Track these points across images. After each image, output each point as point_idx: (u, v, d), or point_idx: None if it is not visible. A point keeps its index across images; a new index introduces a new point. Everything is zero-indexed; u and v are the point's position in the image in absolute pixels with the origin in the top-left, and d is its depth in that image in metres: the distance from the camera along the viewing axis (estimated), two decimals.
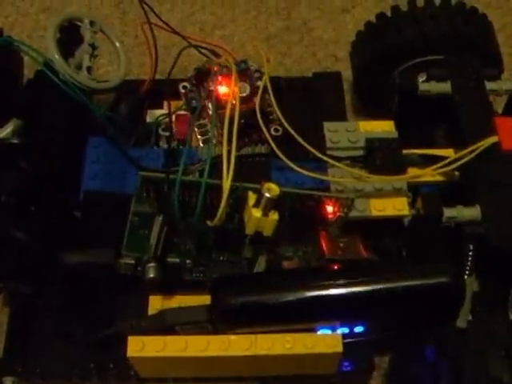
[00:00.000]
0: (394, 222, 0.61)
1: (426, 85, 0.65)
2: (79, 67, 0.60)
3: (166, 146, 0.62)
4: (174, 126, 0.63)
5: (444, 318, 0.56)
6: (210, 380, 0.63)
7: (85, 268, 0.56)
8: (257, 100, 0.60)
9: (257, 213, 0.52)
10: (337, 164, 0.58)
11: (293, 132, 0.58)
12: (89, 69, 0.60)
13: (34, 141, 0.58)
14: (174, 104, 0.64)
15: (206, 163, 0.54)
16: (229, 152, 0.54)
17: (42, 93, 0.60)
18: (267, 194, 0.52)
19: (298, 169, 0.56)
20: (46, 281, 0.57)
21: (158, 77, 0.66)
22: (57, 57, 0.57)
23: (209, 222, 0.54)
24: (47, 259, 0.54)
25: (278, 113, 0.60)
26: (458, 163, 0.58)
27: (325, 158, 0.58)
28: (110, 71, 0.86)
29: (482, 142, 0.59)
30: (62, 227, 0.56)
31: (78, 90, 0.57)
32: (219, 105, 0.60)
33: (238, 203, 0.55)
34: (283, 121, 0.59)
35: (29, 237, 0.53)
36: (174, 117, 0.64)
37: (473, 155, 0.58)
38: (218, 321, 0.54)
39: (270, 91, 0.61)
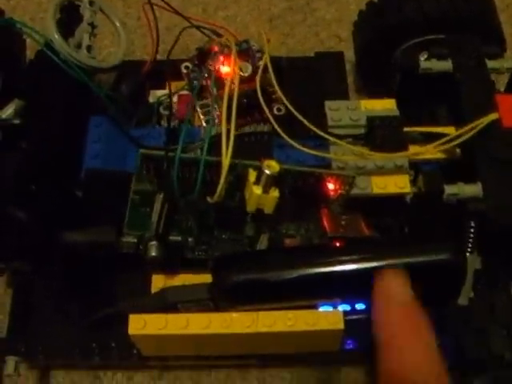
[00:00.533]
0: (396, 199, 0.60)
1: (427, 63, 0.64)
2: (79, 46, 0.60)
3: (167, 125, 0.62)
4: (176, 106, 0.63)
5: (445, 295, 0.56)
6: (212, 358, 0.63)
7: (86, 247, 0.56)
8: (257, 78, 0.60)
9: (257, 190, 0.53)
10: (338, 141, 0.58)
11: (293, 109, 0.58)
12: (89, 48, 0.60)
13: (34, 121, 0.58)
14: (176, 85, 0.64)
15: (205, 141, 0.54)
16: (228, 129, 0.54)
17: (43, 73, 0.60)
18: (267, 171, 0.52)
19: (299, 146, 0.56)
20: (47, 260, 0.57)
21: (160, 58, 0.66)
22: (56, 36, 0.57)
23: (209, 199, 0.54)
24: (48, 238, 0.54)
25: (279, 91, 0.59)
26: (459, 140, 0.58)
27: (326, 136, 0.58)
28: (113, 53, 0.86)
29: (483, 119, 0.58)
30: (63, 206, 0.56)
31: (78, 69, 0.57)
32: (221, 84, 0.60)
33: (238, 181, 0.55)
34: (283, 98, 0.59)
35: (29, 215, 0.53)
36: (176, 97, 0.64)
37: (473, 132, 0.58)
38: (219, 298, 0.55)
39: (271, 70, 0.60)
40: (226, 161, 0.52)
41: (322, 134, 0.57)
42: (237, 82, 0.58)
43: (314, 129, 0.57)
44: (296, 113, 0.58)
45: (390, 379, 0.40)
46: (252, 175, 0.53)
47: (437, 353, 0.40)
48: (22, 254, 0.56)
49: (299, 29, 0.92)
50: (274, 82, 0.60)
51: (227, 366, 0.67)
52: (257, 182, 0.53)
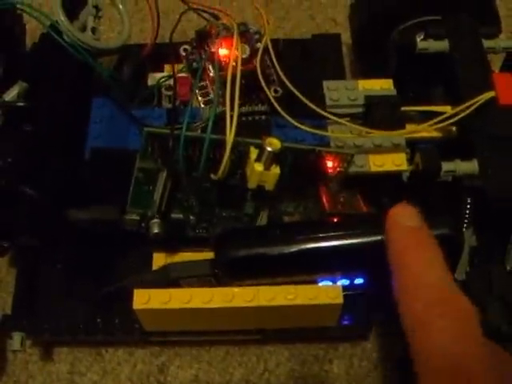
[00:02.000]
0: (393, 177, 0.61)
1: (424, 43, 0.65)
2: (83, 29, 0.61)
3: (169, 105, 0.63)
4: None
5: None
6: (212, 333, 0.64)
7: (90, 224, 0.57)
8: (257, 59, 0.60)
9: (259, 167, 0.54)
10: (337, 119, 0.59)
11: (294, 90, 0.59)
12: (93, 30, 0.61)
13: (40, 102, 0.58)
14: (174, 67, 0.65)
15: (209, 119, 0.54)
16: (231, 107, 0.55)
17: (47, 55, 0.61)
18: (269, 148, 0.53)
19: (298, 124, 0.57)
20: (54, 237, 0.58)
21: (158, 41, 0.67)
22: (62, 18, 0.58)
23: (212, 176, 0.55)
24: (56, 215, 0.55)
25: (280, 72, 0.60)
26: (456, 118, 0.59)
27: (326, 114, 0.59)
28: (111, 38, 0.87)
29: (479, 97, 0.59)
30: (69, 185, 0.57)
31: (83, 50, 0.58)
32: (220, 66, 0.61)
33: (240, 159, 0.56)
34: (284, 79, 0.60)
35: (39, 192, 0.53)
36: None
37: (470, 110, 0.59)
38: (221, 273, 0.56)
39: (271, 51, 0.61)
40: (230, 137, 0.53)
41: (322, 112, 0.58)
42: (239, 62, 0.58)
43: (314, 107, 0.58)
44: (297, 92, 0.58)
45: (403, 291, 0.42)
46: (253, 153, 0.54)
47: (445, 268, 0.42)
48: (31, 230, 0.57)
49: (295, 12, 0.92)
50: (276, 62, 0.61)
51: (227, 342, 0.68)
52: (258, 159, 0.54)
